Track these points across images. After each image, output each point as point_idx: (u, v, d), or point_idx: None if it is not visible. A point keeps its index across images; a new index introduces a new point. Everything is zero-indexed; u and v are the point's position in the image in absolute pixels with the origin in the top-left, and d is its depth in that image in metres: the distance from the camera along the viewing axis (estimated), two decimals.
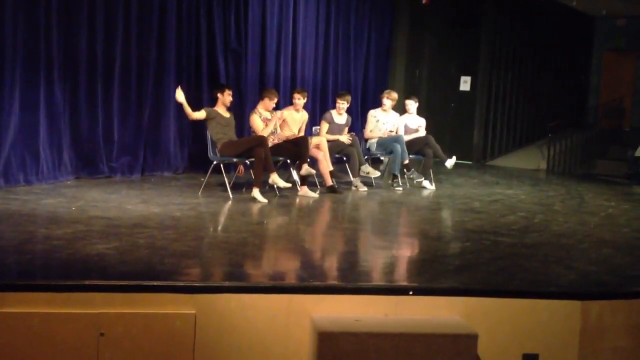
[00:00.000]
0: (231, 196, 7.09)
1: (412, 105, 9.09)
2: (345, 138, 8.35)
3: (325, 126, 8.37)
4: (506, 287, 4.41)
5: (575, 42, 15.23)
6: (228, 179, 7.28)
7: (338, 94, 8.72)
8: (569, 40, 14.97)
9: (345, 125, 8.51)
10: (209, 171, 7.40)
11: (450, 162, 8.89)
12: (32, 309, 3.75)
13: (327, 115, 8.50)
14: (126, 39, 8.05)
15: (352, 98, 11.37)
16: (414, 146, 8.87)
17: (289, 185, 7.37)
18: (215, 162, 7.32)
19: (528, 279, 4.67)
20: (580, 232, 6.38)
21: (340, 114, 8.45)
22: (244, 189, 7.57)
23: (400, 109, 9.28)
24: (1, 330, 3.72)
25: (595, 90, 15.74)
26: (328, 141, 8.15)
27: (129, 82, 8.15)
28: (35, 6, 7.01)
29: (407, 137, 8.88)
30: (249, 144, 7.23)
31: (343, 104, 8.39)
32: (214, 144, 7.36)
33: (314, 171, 7.67)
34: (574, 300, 4.23)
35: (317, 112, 10.36)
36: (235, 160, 7.43)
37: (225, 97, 7.46)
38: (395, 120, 8.90)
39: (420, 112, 9.42)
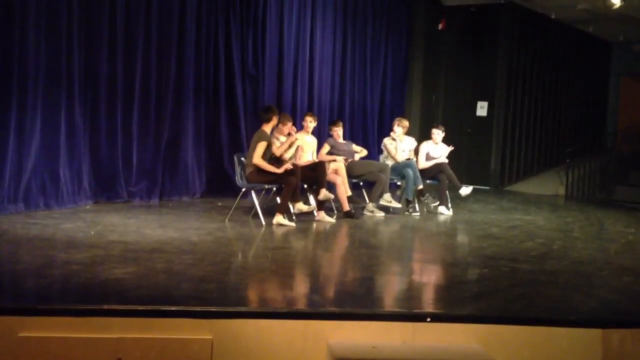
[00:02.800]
0: (264, 223, 7.06)
1: (438, 135, 9.05)
2: (359, 154, 8.51)
3: (326, 148, 8.42)
4: (525, 315, 4.36)
5: (593, 66, 15.21)
6: (258, 205, 7.23)
7: (331, 122, 8.90)
8: (586, 65, 14.95)
9: (350, 143, 8.66)
10: (238, 197, 7.44)
11: (464, 191, 8.75)
12: (50, 333, 3.77)
13: (329, 138, 8.57)
14: (145, 64, 8.17)
15: (369, 123, 11.51)
16: (430, 172, 8.85)
17: (314, 207, 7.44)
18: (244, 189, 7.34)
19: (547, 307, 4.61)
20: (600, 259, 6.31)
21: (339, 139, 8.55)
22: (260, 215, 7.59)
23: (418, 134, 9.27)
24: (20, 355, 3.73)
25: (613, 115, 15.67)
26: (360, 160, 8.47)
27: (148, 106, 8.26)
28: (57, 30, 7.15)
29: (427, 164, 8.87)
30: (281, 172, 7.23)
31: (339, 130, 8.52)
32: (243, 169, 7.38)
33: (332, 196, 7.69)
34: (595, 328, 4.18)
35: None
36: (266, 186, 7.45)
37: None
38: (410, 147, 8.90)
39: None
